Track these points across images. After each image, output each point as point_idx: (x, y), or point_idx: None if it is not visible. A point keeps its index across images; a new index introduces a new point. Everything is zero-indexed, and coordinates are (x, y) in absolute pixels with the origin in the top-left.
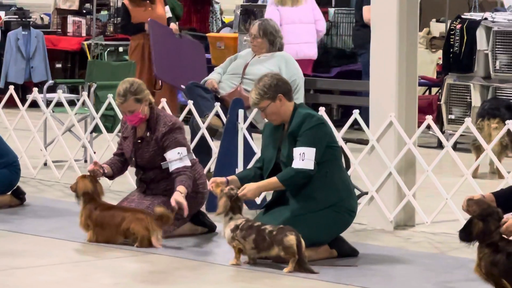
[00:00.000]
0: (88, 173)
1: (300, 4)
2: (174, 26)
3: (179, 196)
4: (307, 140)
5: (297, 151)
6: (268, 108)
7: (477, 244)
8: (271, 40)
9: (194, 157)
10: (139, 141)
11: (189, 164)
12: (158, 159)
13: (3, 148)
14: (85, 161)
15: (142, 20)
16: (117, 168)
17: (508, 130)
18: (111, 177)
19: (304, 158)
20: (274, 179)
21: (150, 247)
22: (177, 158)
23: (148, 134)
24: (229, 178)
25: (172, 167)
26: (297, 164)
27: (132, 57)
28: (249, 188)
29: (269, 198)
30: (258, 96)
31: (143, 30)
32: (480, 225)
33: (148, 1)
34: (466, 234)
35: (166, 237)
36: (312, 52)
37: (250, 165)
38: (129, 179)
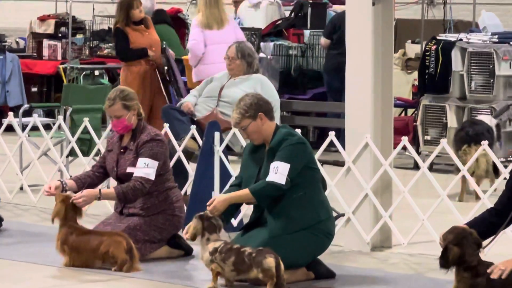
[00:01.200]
0: (66, 196)
1: (224, 27)
2: (172, 52)
3: (89, 191)
4: (284, 155)
5: (273, 165)
6: (249, 127)
7: (455, 268)
8: (249, 62)
9: (175, 183)
10: (122, 150)
11: (150, 177)
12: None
13: None
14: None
15: (142, 45)
16: (83, 183)
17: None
18: (75, 192)
19: (277, 172)
20: (245, 190)
21: (128, 271)
22: (141, 167)
23: (131, 143)
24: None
25: (134, 173)
26: (270, 177)
27: (131, 86)
28: (218, 199)
29: (246, 220)
30: (239, 116)
31: (146, 56)
32: (455, 250)
33: (143, 26)
34: (444, 261)
35: (142, 261)
36: None
37: (227, 186)
38: (105, 203)
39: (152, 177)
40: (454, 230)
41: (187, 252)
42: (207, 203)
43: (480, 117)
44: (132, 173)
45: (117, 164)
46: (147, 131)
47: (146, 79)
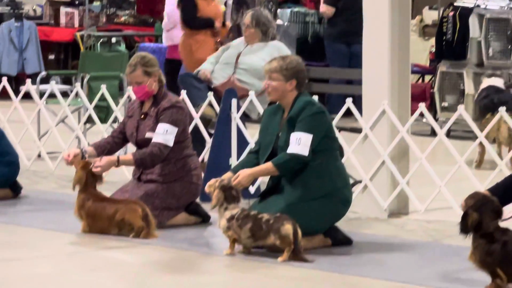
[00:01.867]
0: (87, 162)
1: None
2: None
3: (106, 159)
4: (305, 126)
5: (294, 136)
6: (277, 83)
7: (472, 234)
8: (264, 30)
9: (194, 151)
10: (143, 116)
11: (168, 144)
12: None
13: (7, 145)
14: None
15: (209, 15)
16: (102, 149)
17: None
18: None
19: (300, 143)
20: (268, 164)
21: (145, 238)
22: (161, 132)
23: (152, 109)
24: (224, 177)
25: (153, 139)
26: (292, 149)
27: (195, 55)
28: (243, 175)
29: (263, 187)
30: (277, 67)
31: (212, 26)
32: (475, 216)
33: None
34: (463, 226)
35: (160, 228)
36: None
37: (245, 152)
38: (123, 170)
39: (171, 143)
40: (475, 195)
41: (205, 219)
42: (232, 178)
43: (491, 80)
44: (151, 139)
45: (137, 130)
46: (168, 97)
47: (209, 50)
